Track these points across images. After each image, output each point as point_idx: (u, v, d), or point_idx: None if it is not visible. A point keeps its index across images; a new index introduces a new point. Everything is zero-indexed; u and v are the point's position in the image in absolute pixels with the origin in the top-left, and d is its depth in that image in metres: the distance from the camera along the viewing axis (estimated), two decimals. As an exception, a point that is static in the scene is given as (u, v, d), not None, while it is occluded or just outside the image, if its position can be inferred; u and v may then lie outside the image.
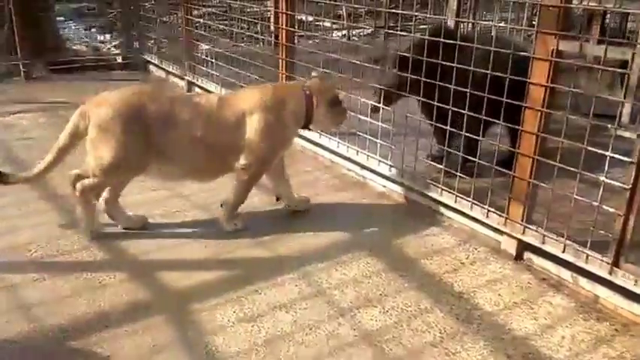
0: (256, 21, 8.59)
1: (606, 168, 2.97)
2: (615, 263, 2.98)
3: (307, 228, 3.91)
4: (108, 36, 10.04)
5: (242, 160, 3.71)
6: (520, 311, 3.06)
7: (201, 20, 7.45)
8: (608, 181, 2.96)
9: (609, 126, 3.03)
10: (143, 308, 3.03)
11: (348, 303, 3.11)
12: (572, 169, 3.12)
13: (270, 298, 3.14)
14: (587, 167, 3.08)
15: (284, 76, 5.30)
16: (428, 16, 4.52)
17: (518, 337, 2.86)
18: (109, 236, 3.74)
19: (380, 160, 4.46)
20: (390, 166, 4.39)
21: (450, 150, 4.03)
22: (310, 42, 8.51)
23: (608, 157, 2.94)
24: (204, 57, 6.90)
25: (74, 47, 9.11)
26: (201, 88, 6.86)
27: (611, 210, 2.97)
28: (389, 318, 2.99)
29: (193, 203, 4.20)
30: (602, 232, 3.02)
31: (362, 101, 4.54)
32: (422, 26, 7.71)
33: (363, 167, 4.69)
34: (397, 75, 4.21)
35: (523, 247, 3.53)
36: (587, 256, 3.10)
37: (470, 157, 3.86)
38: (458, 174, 3.84)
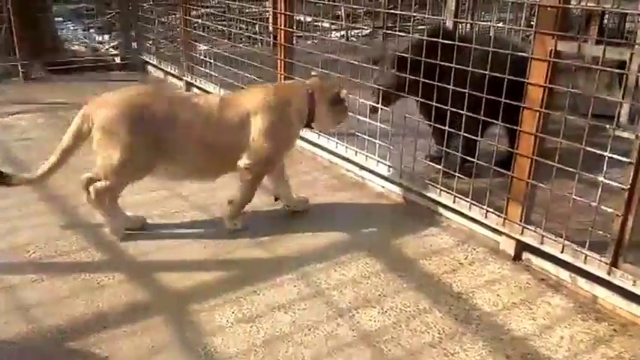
0: (255, 21, 8.61)
1: (605, 168, 2.97)
2: (614, 263, 2.98)
3: (306, 228, 3.91)
4: (106, 36, 10.04)
5: (245, 160, 3.71)
6: (519, 311, 3.07)
7: (200, 21, 7.44)
8: (607, 181, 2.96)
9: (608, 126, 3.03)
10: (142, 309, 3.03)
11: (347, 303, 3.11)
12: (570, 169, 3.12)
13: (269, 298, 3.14)
14: (586, 167, 3.08)
15: (282, 76, 5.30)
16: (426, 16, 4.52)
17: (517, 337, 2.86)
18: (108, 237, 3.73)
19: (378, 161, 4.46)
20: (389, 166, 4.39)
21: (448, 150, 4.03)
22: (309, 42, 8.52)
23: (606, 158, 2.95)
24: (202, 57, 6.89)
25: (73, 48, 9.11)
26: (199, 88, 6.86)
27: (610, 210, 2.97)
28: (388, 318, 2.99)
29: (192, 204, 4.20)
30: (600, 232, 3.02)
31: (360, 102, 4.54)
32: (420, 27, 7.71)
33: (362, 168, 4.69)
34: (396, 75, 4.21)
35: (522, 247, 3.53)
36: (586, 256, 3.10)
37: (468, 158, 3.86)
38: (456, 174, 3.84)
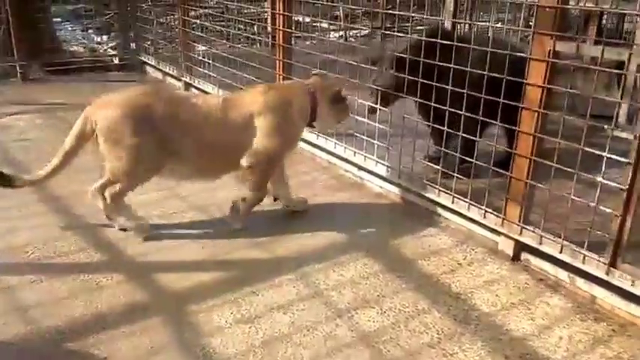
0: (253, 22, 8.61)
1: (603, 169, 2.97)
2: (612, 264, 2.98)
3: (305, 229, 3.91)
4: (105, 37, 10.02)
5: (248, 160, 3.72)
6: (517, 312, 3.07)
7: (198, 21, 7.45)
8: (605, 181, 2.96)
9: (606, 127, 3.04)
10: (140, 310, 3.02)
11: (346, 304, 3.11)
12: (569, 169, 3.12)
13: (268, 299, 3.13)
14: (584, 168, 3.08)
15: (281, 77, 5.30)
16: (425, 17, 4.52)
17: (516, 337, 2.86)
18: (107, 238, 3.73)
19: (377, 161, 4.47)
20: (388, 166, 4.39)
21: (447, 151, 4.03)
22: (307, 43, 8.52)
23: (605, 158, 2.95)
24: (201, 58, 6.90)
25: (71, 48, 9.09)
26: (198, 89, 6.85)
27: (608, 210, 2.97)
28: (386, 319, 2.99)
29: (191, 204, 4.20)
30: (599, 232, 3.03)
31: (359, 102, 4.54)
32: (419, 27, 7.72)
33: (361, 168, 4.69)
34: (394, 76, 4.21)
35: (520, 247, 3.53)
36: (585, 256, 3.10)
37: (467, 158, 3.86)
38: (455, 175, 3.84)
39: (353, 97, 4.46)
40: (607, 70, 3.28)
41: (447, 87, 3.73)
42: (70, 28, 10.47)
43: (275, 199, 4.16)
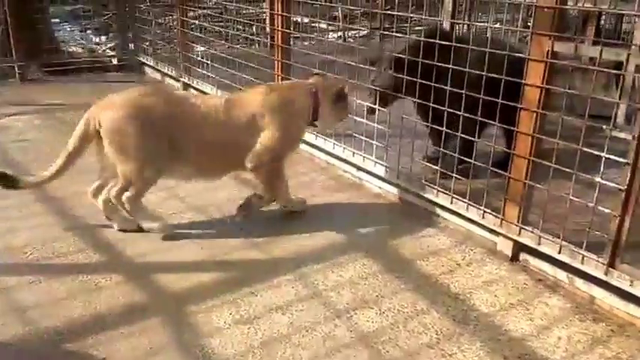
0: (252, 23, 8.61)
1: (602, 169, 2.97)
2: (611, 264, 2.98)
3: (303, 229, 3.91)
4: (103, 38, 10.01)
5: (252, 161, 3.76)
6: (516, 312, 3.07)
7: (197, 22, 7.44)
8: (604, 182, 2.97)
9: (604, 127, 3.04)
10: (139, 310, 3.02)
11: (345, 304, 3.11)
12: (567, 170, 3.12)
13: (267, 299, 3.13)
14: (583, 168, 3.08)
15: (280, 77, 5.30)
16: (423, 17, 4.52)
17: (515, 338, 2.87)
18: (105, 238, 3.73)
19: (376, 162, 4.47)
20: (386, 167, 4.39)
21: (445, 151, 4.03)
22: (306, 43, 8.52)
23: (603, 158, 2.95)
24: (199, 59, 6.90)
25: (69, 49, 9.08)
26: (196, 89, 6.85)
27: (607, 211, 2.98)
28: (385, 319, 2.99)
29: (189, 205, 4.20)
30: (597, 233, 3.03)
31: (358, 102, 4.54)
32: (417, 28, 7.72)
33: (359, 169, 4.69)
34: (393, 76, 4.21)
35: (519, 248, 3.53)
36: (583, 257, 3.10)
37: (465, 159, 3.86)
38: (454, 175, 3.84)
39: (352, 98, 4.46)
40: (605, 70, 3.29)
41: (445, 87, 3.74)
42: (68, 29, 10.46)
43: (273, 200, 4.17)
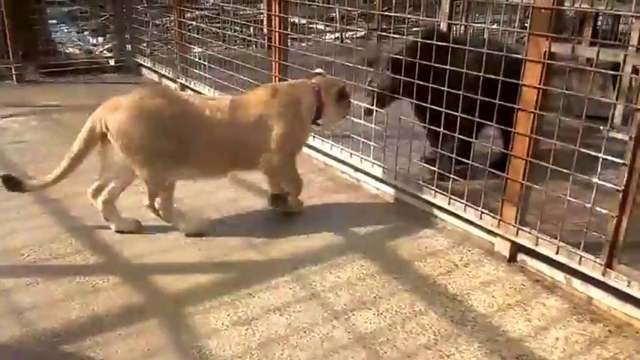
0: (249, 24, 8.60)
1: (599, 169, 2.98)
2: (608, 264, 2.99)
3: (301, 230, 3.90)
4: (100, 39, 9.99)
5: (265, 166, 3.86)
6: (514, 313, 3.07)
7: (194, 23, 7.44)
8: (601, 182, 2.97)
9: (602, 128, 3.04)
10: (137, 312, 3.02)
11: (342, 306, 3.11)
12: (565, 170, 3.13)
13: (264, 301, 3.13)
14: (580, 169, 3.09)
15: (277, 78, 5.30)
16: (420, 18, 4.51)
17: (513, 338, 2.87)
18: (103, 240, 3.72)
19: (373, 163, 4.47)
20: (384, 168, 4.40)
21: (443, 152, 4.03)
22: (303, 44, 8.52)
23: (600, 159, 2.95)
24: (197, 60, 6.89)
25: (66, 50, 9.06)
26: (193, 90, 6.84)
27: (604, 211, 2.98)
28: (383, 320, 2.99)
29: (187, 206, 4.19)
30: (595, 233, 3.03)
31: (355, 103, 4.54)
32: (415, 29, 7.72)
33: (357, 169, 4.69)
34: (390, 77, 4.21)
35: (516, 248, 3.53)
36: (581, 257, 3.11)
37: (463, 159, 3.86)
38: (451, 176, 3.84)
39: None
40: (602, 71, 3.29)
41: (442, 88, 3.74)
42: (65, 30, 10.43)
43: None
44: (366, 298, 3.18)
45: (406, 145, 4.17)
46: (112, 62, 8.77)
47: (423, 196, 4.09)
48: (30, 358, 2.69)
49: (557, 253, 3.23)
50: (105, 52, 9.33)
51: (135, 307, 3.06)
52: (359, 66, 4.44)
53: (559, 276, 3.31)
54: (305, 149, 5.19)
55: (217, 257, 3.57)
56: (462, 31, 6.84)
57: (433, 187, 4.00)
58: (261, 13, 9.28)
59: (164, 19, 8.24)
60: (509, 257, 3.56)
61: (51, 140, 5.50)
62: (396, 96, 4.24)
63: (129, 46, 8.71)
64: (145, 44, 8.57)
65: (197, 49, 7.28)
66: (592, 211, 3.02)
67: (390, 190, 4.41)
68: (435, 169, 4.07)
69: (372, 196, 4.52)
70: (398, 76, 4.10)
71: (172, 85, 7.45)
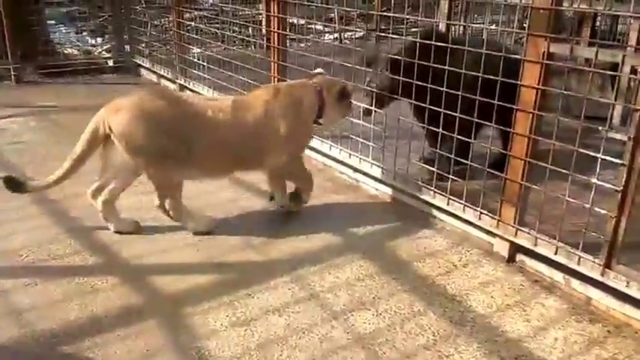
0: (248, 24, 8.60)
1: (598, 170, 2.98)
2: (607, 265, 2.99)
3: (300, 231, 3.90)
4: (99, 39, 9.99)
5: (272, 165, 3.90)
6: (513, 313, 3.07)
7: (193, 23, 7.44)
8: (600, 183, 2.97)
9: (600, 128, 3.04)
10: (135, 312, 3.01)
11: (341, 306, 3.11)
12: (563, 171, 3.13)
13: (263, 301, 3.13)
14: (579, 169, 3.09)
15: (276, 79, 5.30)
16: (419, 19, 4.51)
17: (512, 339, 2.87)
18: (102, 240, 3.72)
19: (372, 163, 4.47)
20: (383, 168, 4.40)
21: (442, 152, 4.03)
22: (302, 45, 8.52)
23: (599, 159, 2.95)
24: (195, 60, 6.89)
25: (65, 51, 9.06)
26: (192, 91, 6.84)
27: (603, 212, 2.98)
28: (382, 321, 2.99)
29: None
30: (594, 233, 3.03)
31: (354, 104, 4.53)
32: (413, 29, 7.73)
33: (356, 170, 4.69)
34: (389, 78, 4.21)
35: (515, 249, 3.53)
36: (580, 257, 3.11)
37: (462, 160, 3.86)
38: (450, 176, 3.84)
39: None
40: (601, 71, 3.29)
41: (441, 89, 3.74)
42: (64, 31, 10.41)
43: (271, 199, 4.18)
44: (365, 298, 3.18)
45: (405, 145, 4.17)
46: (110, 63, 8.77)
47: (422, 197, 4.10)
48: (29, 359, 2.68)
49: (555, 253, 3.23)
50: (103, 52, 9.32)
51: (134, 307, 3.06)
52: (358, 66, 4.44)
53: (558, 276, 3.31)
54: (304, 150, 5.20)
55: (216, 258, 3.57)
56: (460, 32, 6.84)
57: (432, 188, 4.00)
58: (260, 14, 9.27)
59: (163, 20, 8.24)
60: (508, 257, 3.56)
61: (49, 141, 5.50)
62: (395, 96, 4.24)
63: (127, 47, 8.71)
64: (143, 45, 8.57)
65: (196, 50, 7.28)
66: (591, 211, 3.02)
67: (389, 191, 4.41)
68: (433, 169, 4.08)
69: (371, 197, 4.52)
70: (397, 77, 4.10)
71: (171, 86, 7.45)
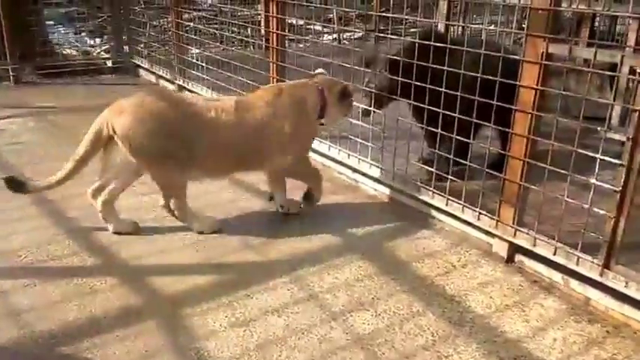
0: (247, 25, 8.60)
1: (596, 170, 2.98)
2: (606, 265, 2.99)
3: (299, 231, 3.90)
4: (98, 40, 9.99)
5: (278, 166, 3.93)
6: (512, 314, 3.07)
7: (192, 24, 7.44)
8: (599, 183, 2.97)
9: (599, 128, 3.04)
10: (134, 313, 3.01)
11: (340, 307, 3.10)
12: (562, 171, 3.13)
13: (262, 302, 3.13)
14: (578, 170, 3.09)
15: (275, 79, 5.30)
16: (418, 19, 4.52)
17: (510, 339, 2.87)
18: (100, 241, 3.72)
19: (371, 164, 4.47)
20: (381, 169, 4.40)
21: (440, 153, 4.03)
22: (301, 45, 8.52)
23: (598, 160, 2.96)
24: (194, 61, 6.89)
25: (64, 51, 9.06)
26: (191, 91, 6.84)
27: (602, 212, 2.98)
28: (381, 321, 2.99)
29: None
30: (592, 234, 3.03)
31: (353, 104, 4.54)
32: (412, 30, 7.73)
33: (355, 170, 4.69)
34: (388, 78, 4.21)
35: (514, 249, 3.53)
36: (578, 258, 3.11)
37: (461, 160, 3.86)
38: (449, 177, 3.84)
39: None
40: (600, 72, 3.29)
41: (440, 89, 3.74)
42: (62, 31, 10.42)
43: (270, 199, 4.18)
44: (364, 299, 3.18)
45: (404, 145, 4.17)
46: (109, 63, 8.77)
47: (421, 197, 4.10)
48: (27, 360, 2.69)
49: (554, 253, 3.23)
50: (102, 53, 9.32)
51: (132, 308, 3.06)
52: (356, 67, 4.44)
53: (557, 277, 3.31)
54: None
55: (215, 258, 3.57)
56: (459, 32, 6.84)
57: (431, 188, 4.00)
58: (259, 14, 9.27)
59: (161, 21, 8.23)
60: (506, 258, 3.56)
61: (48, 141, 5.50)
62: (394, 97, 4.25)
63: (126, 48, 8.70)
64: (142, 45, 8.57)
65: (195, 50, 7.28)
66: (589, 211, 3.02)
67: (388, 191, 4.41)
68: (432, 169, 4.08)
69: (370, 197, 4.52)
70: (395, 77, 4.11)
71: (170, 87, 7.45)
